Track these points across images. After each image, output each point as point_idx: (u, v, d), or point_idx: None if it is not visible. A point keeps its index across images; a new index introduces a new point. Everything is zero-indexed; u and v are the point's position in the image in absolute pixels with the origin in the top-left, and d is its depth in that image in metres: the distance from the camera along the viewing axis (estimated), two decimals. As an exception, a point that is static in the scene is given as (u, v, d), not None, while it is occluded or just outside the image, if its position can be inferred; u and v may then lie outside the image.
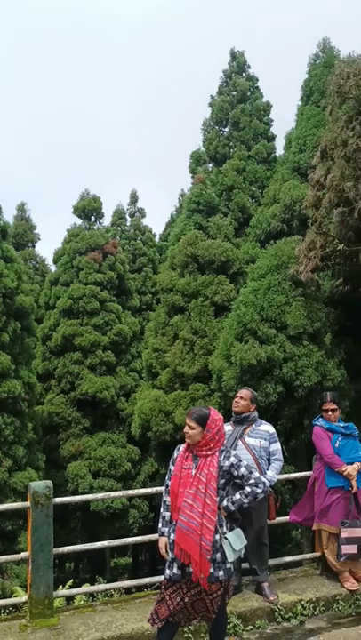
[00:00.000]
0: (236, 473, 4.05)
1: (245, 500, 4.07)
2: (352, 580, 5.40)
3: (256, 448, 5.13)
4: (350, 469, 5.42)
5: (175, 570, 4.06)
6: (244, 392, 5.42)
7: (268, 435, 5.22)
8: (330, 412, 5.62)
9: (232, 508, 4.07)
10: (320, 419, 5.71)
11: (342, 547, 5.37)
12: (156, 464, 21.02)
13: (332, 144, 13.48)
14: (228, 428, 5.23)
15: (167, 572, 4.15)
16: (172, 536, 4.11)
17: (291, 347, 12.59)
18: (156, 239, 29.96)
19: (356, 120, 13.05)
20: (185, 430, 4.20)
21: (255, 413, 5.34)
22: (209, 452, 4.05)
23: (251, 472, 4.06)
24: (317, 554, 5.81)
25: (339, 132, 13.19)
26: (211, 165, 21.60)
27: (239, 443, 5.14)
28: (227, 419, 5.12)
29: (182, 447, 4.27)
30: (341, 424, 5.65)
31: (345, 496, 5.47)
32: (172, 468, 4.27)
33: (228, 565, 4.01)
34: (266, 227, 17.65)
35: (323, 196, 13.50)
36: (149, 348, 17.97)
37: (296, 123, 18.25)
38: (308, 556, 6.10)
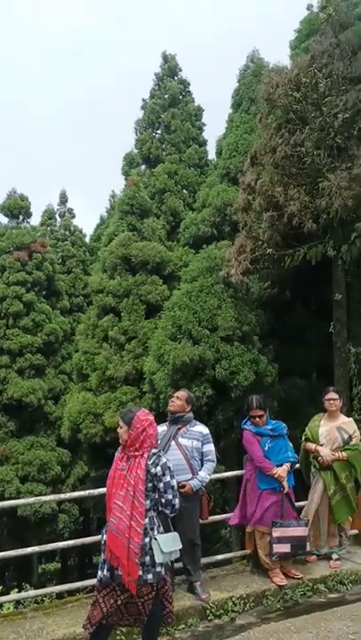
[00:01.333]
0: (156, 483, 4.04)
1: (161, 516, 4.12)
2: (281, 576, 5.53)
3: (188, 448, 5.15)
4: (280, 471, 5.49)
5: (105, 572, 4.03)
6: (181, 392, 5.43)
7: (201, 436, 5.25)
8: (257, 419, 5.71)
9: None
10: (248, 422, 5.79)
11: (274, 546, 5.45)
12: (87, 467, 20.79)
13: (262, 150, 13.83)
14: (163, 428, 5.24)
15: (99, 573, 4.12)
16: (104, 537, 4.09)
17: (224, 346, 12.81)
18: (86, 240, 29.59)
19: (284, 128, 13.45)
20: (117, 429, 4.22)
21: (190, 414, 5.36)
22: (137, 453, 4.05)
23: (166, 491, 4.05)
24: (247, 551, 5.92)
25: (268, 138, 13.55)
26: (143, 167, 21.60)
27: (172, 443, 5.15)
28: (160, 421, 5.15)
29: (120, 448, 4.27)
30: (269, 425, 5.71)
31: (277, 497, 5.55)
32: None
33: (159, 569, 3.98)
34: (195, 231, 17.86)
35: (253, 200, 13.82)
36: (79, 351, 17.80)
37: (227, 129, 18.59)
38: (238, 553, 6.21)
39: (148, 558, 3.93)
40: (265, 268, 14.47)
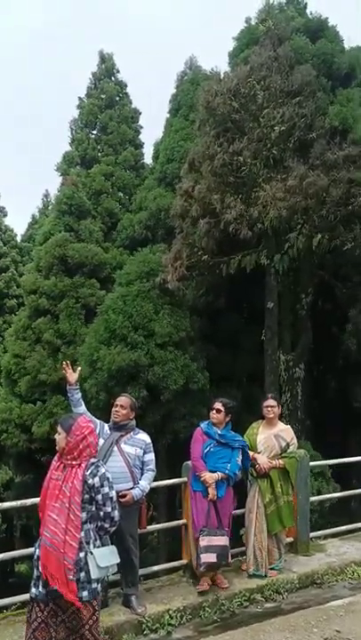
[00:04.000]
0: (94, 495, 3.83)
1: (100, 532, 3.93)
2: (205, 585, 5.41)
3: (131, 456, 4.99)
4: (207, 476, 5.38)
5: (40, 588, 3.79)
6: (124, 400, 5.16)
7: (144, 444, 5.10)
8: (214, 411, 5.59)
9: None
10: (207, 422, 5.70)
11: (202, 556, 5.32)
12: (11, 472, 20.11)
13: (201, 157, 13.90)
14: (106, 429, 5.09)
15: (32, 590, 3.88)
16: (37, 552, 3.86)
17: (158, 352, 12.75)
18: (17, 239, 28.65)
19: (223, 136, 13.59)
20: (55, 436, 3.98)
21: (134, 421, 5.20)
22: (74, 462, 3.83)
23: (104, 503, 3.83)
24: (184, 561, 5.82)
25: (207, 146, 13.64)
26: (79, 167, 21.20)
27: (115, 449, 4.96)
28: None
29: (57, 456, 4.02)
30: (220, 431, 5.60)
31: (203, 502, 5.41)
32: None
33: (95, 585, 3.79)
34: (131, 233, 17.73)
35: (190, 207, 13.86)
36: (9, 353, 17.14)
37: (164, 133, 18.57)
38: (176, 563, 6.04)
39: (83, 574, 3.73)
40: (200, 274, 14.55)
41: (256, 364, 15.37)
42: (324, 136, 13.13)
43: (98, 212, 19.09)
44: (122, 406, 5.11)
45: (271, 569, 5.84)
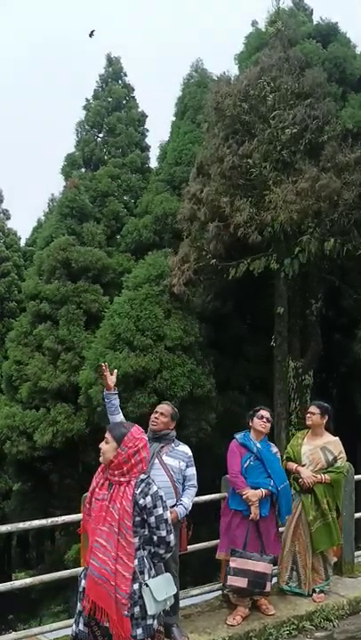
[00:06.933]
0: (146, 517, 3.33)
1: (155, 559, 3.44)
2: (237, 618, 4.98)
3: (175, 470, 4.55)
4: (250, 494, 4.87)
5: (82, 626, 3.35)
6: (165, 407, 4.73)
7: (186, 457, 4.67)
8: (264, 420, 5.11)
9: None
10: (243, 432, 5.30)
11: (229, 577, 4.86)
12: (11, 481, 19.63)
13: (209, 160, 13.66)
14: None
15: (73, 627, 3.43)
16: (83, 583, 3.40)
17: (168, 357, 12.47)
18: (22, 243, 28.18)
19: (232, 138, 13.36)
20: (100, 445, 3.48)
21: (174, 432, 4.78)
22: (122, 479, 3.36)
23: (158, 527, 3.34)
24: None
25: (216, 148, 13.41)
26: (84, 170, 20.99)
27: (156, 461, 4.51)
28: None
29: (100, 469, 3.57)
30: (259, 444, 5.11)
31: (242, 522, 4.94)
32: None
33: (150, 621, 3.28)
34: (137, 237, 17.44)
35: (198, 210, 13.59)
36: (10, 359, 16.75)
37: (171, 136, 18.37)
38: (215, 586, 5.60)
39: (137, 609, 3.24)
40: (208, 279, 14.27)
41: (262, 370, 15.11)
42: (335, 138, 12.90)
43: (103, 214, 18.79)
44: (162, 414, 4.68)
45: (319, 590, 5.43)
